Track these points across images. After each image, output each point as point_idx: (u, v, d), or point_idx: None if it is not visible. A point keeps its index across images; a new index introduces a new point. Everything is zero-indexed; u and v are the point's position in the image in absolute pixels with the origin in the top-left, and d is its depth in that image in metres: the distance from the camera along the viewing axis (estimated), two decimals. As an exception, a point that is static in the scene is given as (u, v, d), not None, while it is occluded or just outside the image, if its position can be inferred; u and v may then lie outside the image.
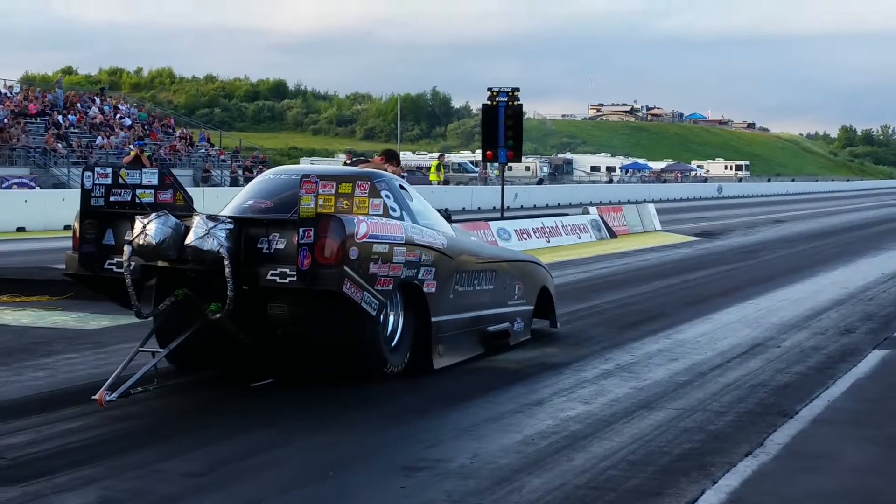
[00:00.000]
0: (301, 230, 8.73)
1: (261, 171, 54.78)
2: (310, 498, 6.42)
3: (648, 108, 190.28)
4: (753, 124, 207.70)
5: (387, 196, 9.88)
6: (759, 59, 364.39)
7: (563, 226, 28.98)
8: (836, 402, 9.30)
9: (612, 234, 30.92)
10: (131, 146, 42.48)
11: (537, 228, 27.40)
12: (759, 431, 8.11)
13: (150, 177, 9.42)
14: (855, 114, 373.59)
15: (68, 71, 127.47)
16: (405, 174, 12.06)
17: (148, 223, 8.82)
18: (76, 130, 50.73)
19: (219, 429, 8.01)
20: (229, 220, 9.05)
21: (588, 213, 31.90)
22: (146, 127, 56.00)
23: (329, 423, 8.26)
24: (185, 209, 9.28)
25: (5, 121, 46.64)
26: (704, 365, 10.88)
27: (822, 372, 10.60)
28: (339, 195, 8.98)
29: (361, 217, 9.12)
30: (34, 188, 38.15)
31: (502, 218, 27.92)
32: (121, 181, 9.34)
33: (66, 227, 30.69)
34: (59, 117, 50.60)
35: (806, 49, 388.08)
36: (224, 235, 8.80)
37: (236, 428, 8.04)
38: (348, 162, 36.19)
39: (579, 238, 29.10)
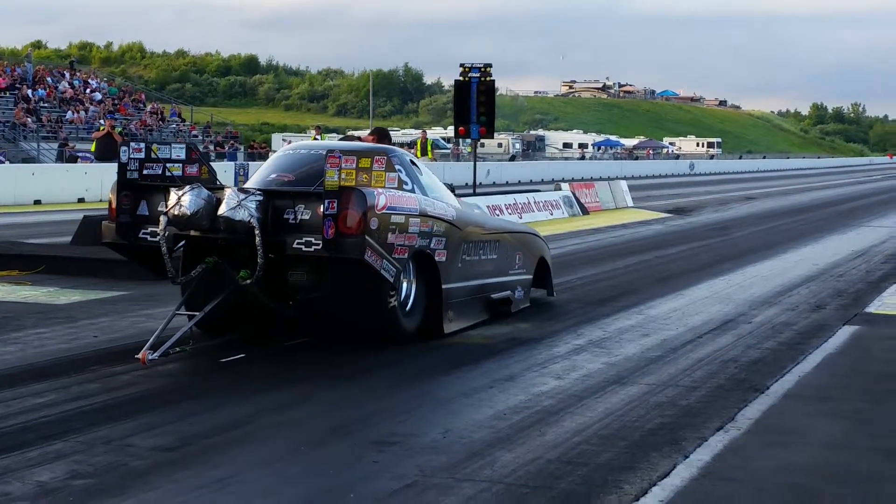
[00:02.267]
0: (326, 202, 9.30)
1: (233, 146, 54.71)
2: (280, 473, 6.41)
3: (621, 85, 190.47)
4: (725, 102, 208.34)
5: (400, 170, 10.41)
6: (732, 36, 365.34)
7: (535, 202, 28.98)
8: (806, 377, 9.35)
9: (585, 211, 30.95)
10: (101, 121, 42.29)
11: (510, 204, 27.38)
12: (731, 406, 8.14)
13: (178, 151, 10.12)
14: (826, 92, 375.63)
15: (38, 45, 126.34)
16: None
17: (182, 195, 9.42)
18: (46, 105, 50.38)
19: (191, 404, 7.98)
20: (259, 192, 9.55)
21: (560, 189, 31.89)
22: (117, 101, 55.66)
23: (300, 399, 8.24)
24: (211, 182, 9.96)
25: (-26, 95, 46.26)
26: (676, 340, 10.91)
27: (793, 348, 10.65)
28: (360, 169, 9.44)
29: (380, 190, 9.63)
30: (3, 162, 37.88)
31: (475, 194, 27.87)
32: (153, 155, 9.99)
33: (36, 202, 30.59)
34: (29, 91, 50.23)
35: (778, 27, 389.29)
36: (254, 206, 9.36)
37: (210, 404, 8.02)
38: (317, 137, 36.22)
39: (552, 214, 29.11)
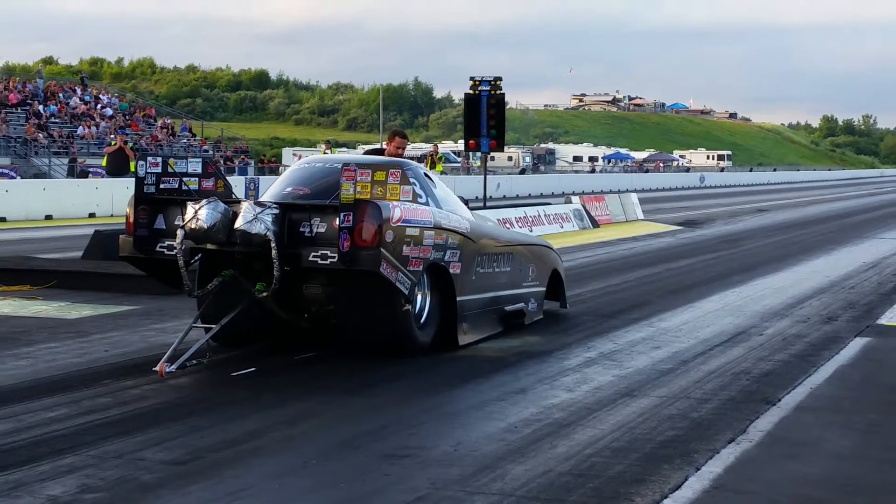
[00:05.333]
0: (342, 215, 9.31)
1: (243, 160, 54.80)
2: (291, 487, 6.40)
3: (630, 99, 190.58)
4: (735, 114, 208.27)
5: (415, 183, 10.51)
6: (742, 49, 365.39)
7: (545, 215, 28.98)
8: (818, 389, 9.32)
9: (595, 224, 30.93)
10: (112, 136, 42.38)
11: (520, 218, 27.38)
12: (742, 418, 8.12)
13: (195, 165, 10.15)
14: (837, 104, 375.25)
15: (49, 61, 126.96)
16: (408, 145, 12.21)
17: (199, 208, 9.49)
18: (57, 120, 50.52)
19: (202, 418, 7.98)
20: (275, 205, 9.61)
21: (571, 202, 31.90)
22: (127, 117, 55.78)
23: (311, 412, 8.24)
24: (226, 195, 10.02)
25: (-14, 111, 46.39)
26: (687, 353, 10.89)
27: (805, 359, 10.62)
28: (375, 182, 9.49)
29: (395, 203, 9.73)
30: (15, 178, 37.98)
31: (485, 207, 27.86)
32: (169, 170, 10.03)
33: (48, 217, 30.66)
34: (40, 107, 50.38)
35: (788, 39, 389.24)
36: (271, 220, 9.41)
37: (221, 417, 8.01)
38: (326, 151, 36.29)
39: (562, 227, 29.10)
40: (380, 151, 12.16)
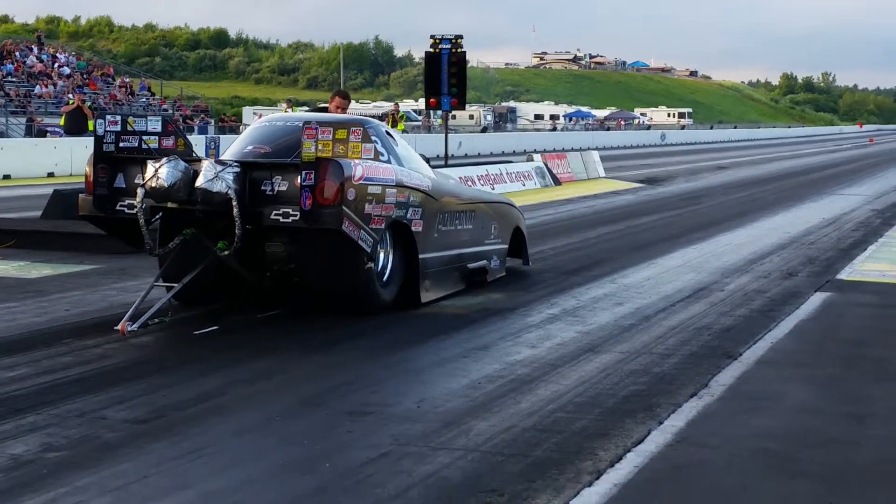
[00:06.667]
0: (303, 173, 9.28)
1: (203, 119, 54.42)
2: (254, 444, 6.39)
3: (591, 57, 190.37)
4: (696, 72, 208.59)
5: (376, 141, 10.52)
6: (702, 7, 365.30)
7: (507, 173, 28.96)
8: (779, 343, 9.38)
9: (557, 182, 30.96)
10: (70, 95, 41.98)
11: (482, 176, 27.33)
12: (704, 373, 8.18)
13: (154, 124, 10.08)
14: (796, 62, 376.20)
15: (4, 19, 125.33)
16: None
17: (160, 167, 9.44)
18: (13, 80, 49.93)
19: (164, 376, 7.94)
20: (236, 163, 9.57)
21: (532, 160, 31.89)
22: (85, 76, 55.23)
23: (273, 370, 8.22)
24: (187, 154, 9.96)
25: (-59, 70, 45.80)
26: (649, 309, 10.93)
27: (766, 314, 10.69)
28: (336, 140, 9.47)
29: (357, 161, 9.68)
30: (-28, 138, 37.56)
31: (446, 165, 27.84)
32: (129, 128, 9.96)
33: (6, 177, 30.34)
34: (-4, 66, 49.77)
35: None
36: (232, 178, 9.36)
37: (183, 376, 7.98)
38: (287, 110, 36.12)
39: (524, 185, 29.10)
40: (324, 110, 12.07)
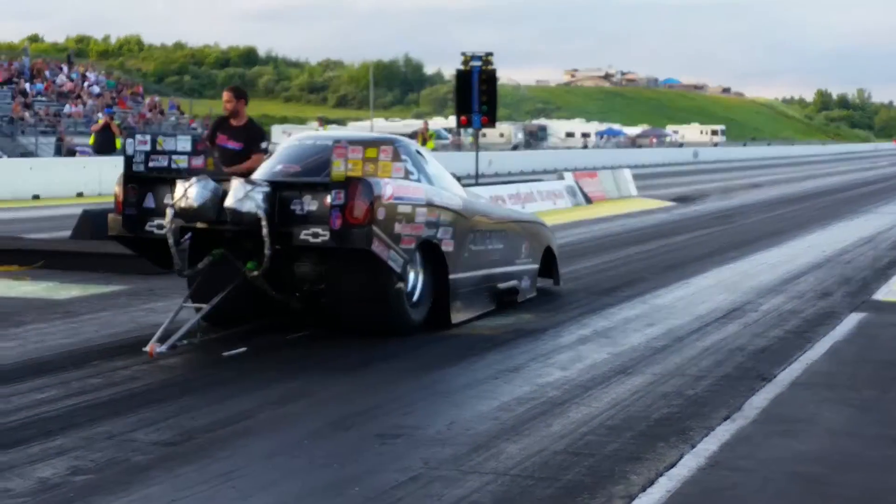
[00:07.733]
0: (333, 192, 9.26)
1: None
2: (283, 467, 6.34)
3: (623, 74, 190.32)
4: (729, 89, 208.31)
5: (406, 160, 10.46)
6: (735, 23, 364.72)
7: (538, 192, 28.89)
8: (813, 365, 9.27)
9: (588, 200, 30.85)
10: (100, 114, 42.17)
11: (512, 195, 27.27)
12: (738, 395, 8.07)
13: (184, 143, 10.00)
14: (831, 78, 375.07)
15: (34, 39, 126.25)
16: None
17: (189, 187, 9.42)
18: (43, 99, 50.25)
19: (193, 398, 7.90)
20: (265, 183, 9.53)
21: (563, 178, 31.80)
22: (115, 95, 55.53)
23: (303, 392, 8.17)
24: (217, 173, 9.87)
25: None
26: (682, 330, 10.83)
27: (800, 335, 10.58)
28: (366, 159, 9.46)
29: (387, 180, 9.66)
30: (1, 157, 37.76)
31: (477, 184, 27.78)
32: (159, 148, 9.91)
33: (35, 197, 30.48)
34: (26, 85, 50.09)
35: (782, 12, 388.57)
36: (261, 198, 9.31)
37: (212, 397, 7.94)
38: (319, 128, 36.15)
39: (555, 204, 29.01)
40: (226, 118, 11.66)
